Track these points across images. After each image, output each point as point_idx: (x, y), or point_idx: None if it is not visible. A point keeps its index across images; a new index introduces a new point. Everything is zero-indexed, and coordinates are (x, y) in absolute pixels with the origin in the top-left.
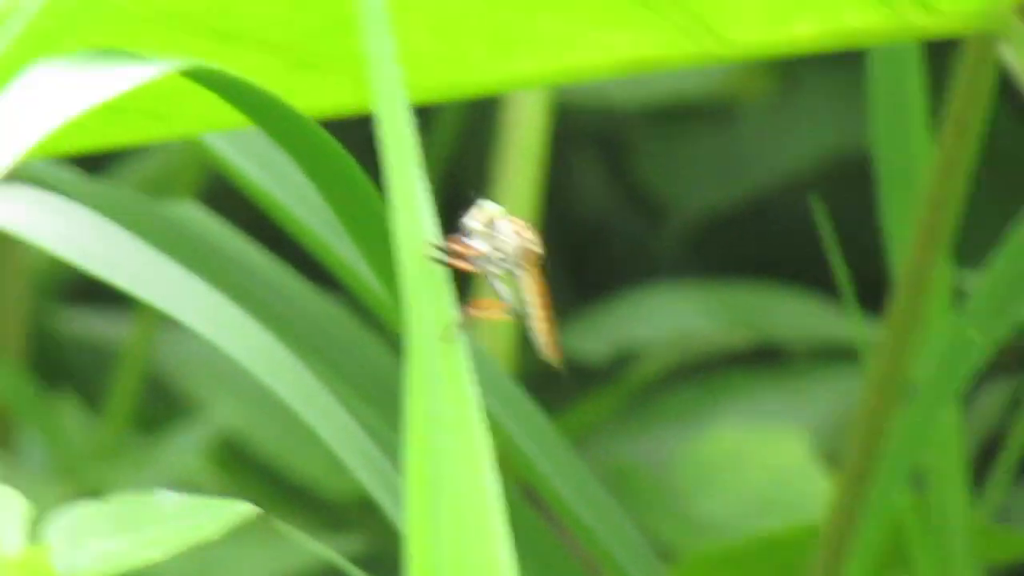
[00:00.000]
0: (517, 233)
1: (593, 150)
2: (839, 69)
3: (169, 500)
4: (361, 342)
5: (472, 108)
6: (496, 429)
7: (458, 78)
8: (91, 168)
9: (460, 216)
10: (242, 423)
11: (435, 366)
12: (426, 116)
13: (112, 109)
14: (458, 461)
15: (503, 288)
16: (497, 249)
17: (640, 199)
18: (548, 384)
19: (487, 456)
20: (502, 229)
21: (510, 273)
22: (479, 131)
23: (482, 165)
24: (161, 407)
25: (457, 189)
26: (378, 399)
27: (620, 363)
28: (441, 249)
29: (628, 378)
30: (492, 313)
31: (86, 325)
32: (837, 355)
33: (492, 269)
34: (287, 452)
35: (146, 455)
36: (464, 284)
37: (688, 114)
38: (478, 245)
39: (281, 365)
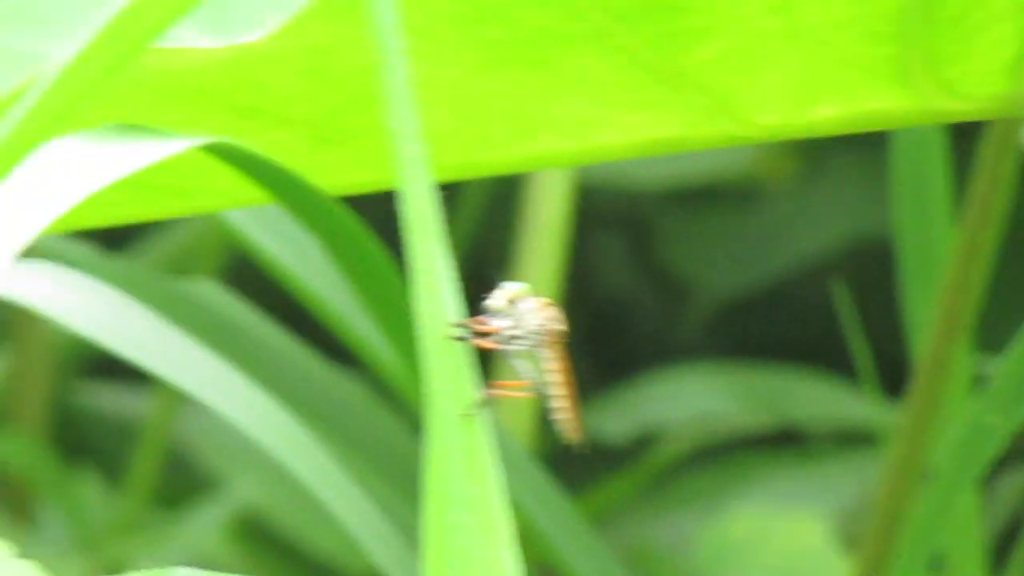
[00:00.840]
0: (539, 312)
1: (616, 230)
2: (863, 151)
3: None
4: (380, 420)
5: (496, 186)
6: (516, 508)
7: (481, 157)
8: (112, 243)
9: (483, 295)
10: (261, 500)
11: (455, 444)
12: (449, 194)
13: (133, 184)
14: (477, 540)
15: (525, 367)
16: (519, 328)
17: (662, 279)
18: (569, 464)
19: (506, 535)
20: (524, 308)
21: (532, 352)
22: (503, 210)
23: (505, 244)
24: (181, 483)
25: (480, 267)
26: (397, 477)
27: (641, 444)
28: (463, 328)
29: (649, 459)
30: (513, 392)
31: (107, 400)
32: (857, 438)
33: (514, 348)
34: (305, 529)
35: (166, 531)
36: (486, 363)
37: (711, 195)
38: (500, 324)
39: (299, 443)
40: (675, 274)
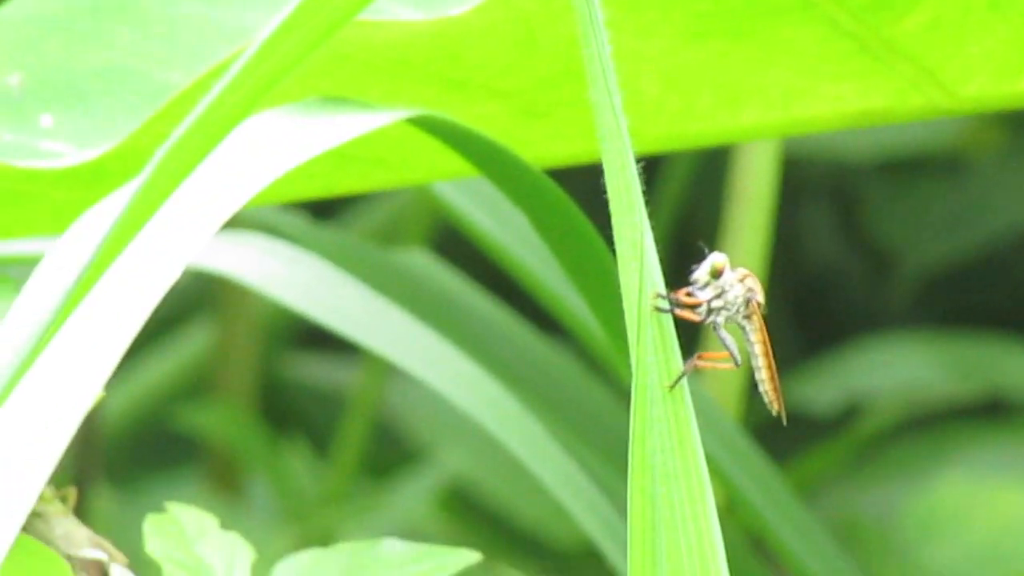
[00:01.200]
0: (743, 283)
1: (822, 201)
2: None
3: (396, 548)
4: (587, 390)
5: (702, 158)
6: (722, 479)
7: (686, 128)
8: (321, 215)
9: (688, 267)
10: (469, 470)
11: (660, 415)
12: (656, 166)
13: (339, 157)
14: (683, 510)
15: (729, 338)
16: (723, 299)
17: (869, 250)
18: (775, 435)
19: (711, 506)
20: (728, 279)
21: (736, 323)
22: (709, 182)
23: (712, 216)
24: (389, 454)
25: (686, 239)
26: (605, 447)
27: (848, 414)
28: (667, 299)
29: (856, 430)
30: (718, 363)
31: (315, 372)
32: None
33: (718, 319)
34: (514, 499)
35: (374, 501)
36: (691, 335)
37: (918, 166)
38: (704, 295)
39: (507, 413)
40: (882, 245)
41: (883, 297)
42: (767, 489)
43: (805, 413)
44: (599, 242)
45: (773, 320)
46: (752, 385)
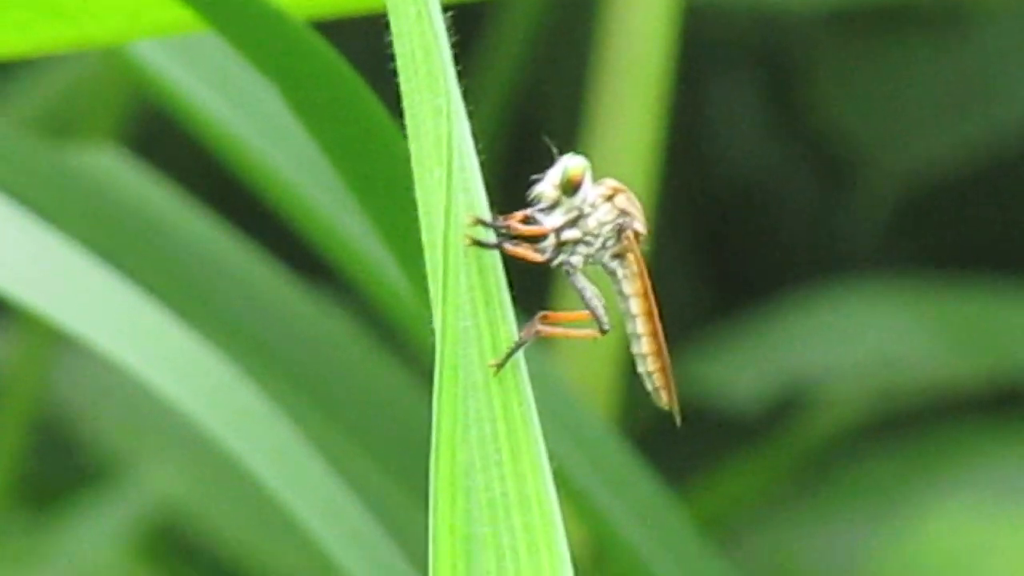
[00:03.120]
0: (611, 202)
1: (744, 73)
2: None
3: None
4: (368, 370)
5: (555, 4)
6: (585, 513)
7: None
8: None
9: (529, 176)
10: (183, 496)
11: (479, 410)
12: (481, 15)
13: None
14: (517, 562)
15: (591, 290)
16: (580, 227)
17: (816, 152)
18: (669, 443)
19: (563, 556)
20: (589, 196)
21: (602, 266)
22: (566, 40)
23: (567, 95)
24: (58, 471)
25: (526, 132)
26: (394, 459)
27: (783, 410)
28: (496, 229)
29: (795, 434)
30: (573, 330)
31: None
32: None
33: (572, 260)
34: (249, 540)
35: (36, 544)
36: (535, 283)
37: (889, 22)
38: (552, 221)
39: (243, 407)
40: (835, 143)
41: (838, 223)
42: (657, 527)
43: (717, 408)
44: (392, 133)
45: (665, 263)
46: (630, 365)
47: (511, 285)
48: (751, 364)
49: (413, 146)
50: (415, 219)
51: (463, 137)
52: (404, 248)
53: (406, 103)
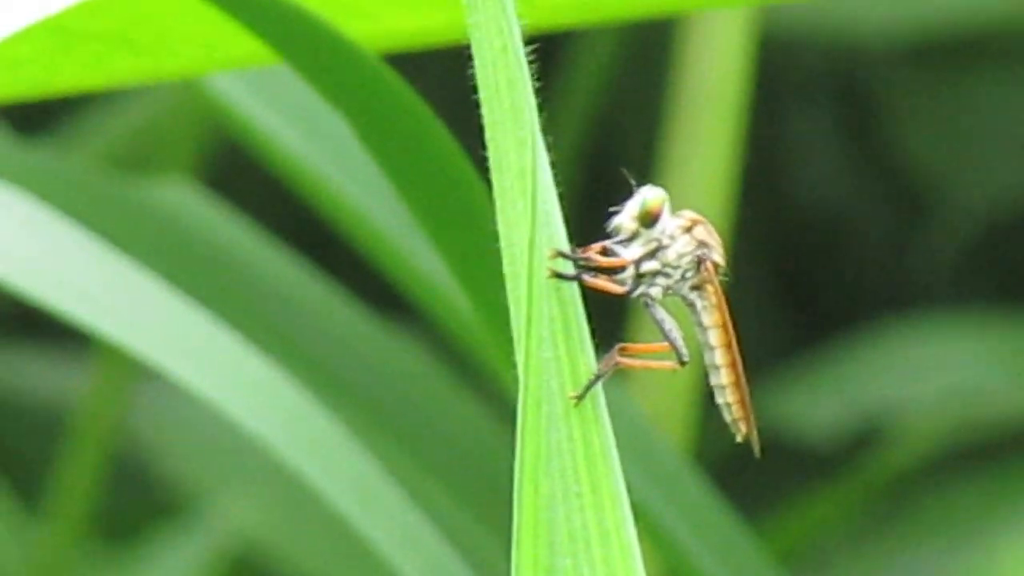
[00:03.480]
0: (690, 234)
1: (821, 106)
2: None
3: None
4: (447, 403)
5: (634, 37)
6: (661, 543)
7: None
8: (29, 128)
9: (605, 209)
10: (260, 528)
11: (560, 442)
12: (559, 49)
13: (60, 31)
14: None
15: (669, 322)
16: (659, 259)
17: (893, 184)
18: (746, 475)
19: None
20: (668, 228)
21: (681, 298)
22: (644, 75)
23: (646, 128)
24: (135, 504)
25: (604, 165)
26: (474, 492)
27: (861, 442)
28: (576, 261)
29: (873, 466)
30: (652, 362)
31: (16, 377)
32: None
33: (651, 291)
34: (325, 569)
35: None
36: (613, 316)
37: (967, 55)
38: (631, 254)
39: (322, 439)
40: (916, 175)
41: (914, 259)
42: (733, 559)
43: (795, 440)
44: (468, 170)
45: (742, 294)
46: (708, 396)
47: (589, 317)
48: (828, 396)
49: (495, 178)
50: (484, 252)
51: (544, 169)
52: (473, 280)
53: (489, 135)
